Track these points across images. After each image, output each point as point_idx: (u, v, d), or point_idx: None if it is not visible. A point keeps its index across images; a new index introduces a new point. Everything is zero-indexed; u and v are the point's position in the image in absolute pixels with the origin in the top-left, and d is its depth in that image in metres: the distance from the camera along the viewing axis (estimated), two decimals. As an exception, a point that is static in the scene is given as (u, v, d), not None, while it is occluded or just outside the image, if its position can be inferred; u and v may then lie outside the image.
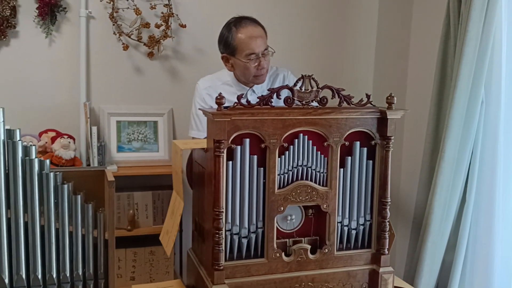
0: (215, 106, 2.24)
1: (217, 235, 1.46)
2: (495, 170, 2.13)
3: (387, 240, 1.65)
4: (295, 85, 1.52)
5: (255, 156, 1.50)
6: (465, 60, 2.10)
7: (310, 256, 1.58)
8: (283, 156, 1.52)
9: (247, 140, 1.48)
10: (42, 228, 1.37)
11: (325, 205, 1.58)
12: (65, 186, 1.37)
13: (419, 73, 2.77)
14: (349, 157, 1.60)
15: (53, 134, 2.58)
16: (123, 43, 2.70)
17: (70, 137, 2.57)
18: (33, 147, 1.36)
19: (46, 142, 2.54)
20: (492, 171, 2.14)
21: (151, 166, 2.72)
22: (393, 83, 2.82)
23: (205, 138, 1.57)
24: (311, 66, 2.90)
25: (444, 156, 2.16)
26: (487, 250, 2.15)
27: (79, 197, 1.38)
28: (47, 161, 1.37)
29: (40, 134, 2.58)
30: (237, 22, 2.18)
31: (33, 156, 1.35)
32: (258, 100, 1.48)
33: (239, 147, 1.48)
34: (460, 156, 2.17)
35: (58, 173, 1.37)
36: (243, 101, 1.46)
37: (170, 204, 1.80)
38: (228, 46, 2.18)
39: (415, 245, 2.34)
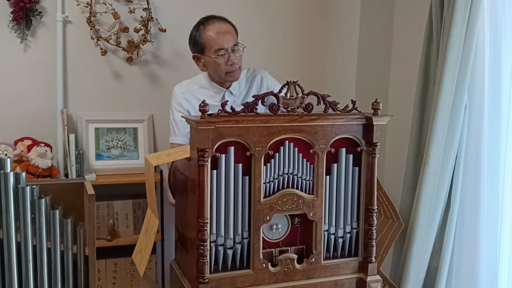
0: (192, 110, 2.20)
1: (201, 247, 1.43)
2: (479, 175, 2.13)
3: (374, 248, 1.64)
4: (280, 91, 1.50)
5: (240, 165, 1.47)
6: (448, 64, 2.09)
7: (297, 266, 1.56)
8: (268, 164, 1.50)
9: (232, 148, 1.46)
10: (18, 244, 1.32)
11: (311, 214, 1.56)
12: (42, 200, 1.32)
13: (401, 78, 2.77)
14: (335, 164, 1.59)
15: (29, 142, 2.51)
16: (101, 48, 2.64)
17: (47, 145, 2.50)
18: (8, 159, 1.31)
19: (22, 151, 2.47)
20: (476, 175, 2.14)
21: (131, 174, 2.66)
22: (376, 87, 2.81)
23: (179, 146, 1.53)
24: (292, 71, 2.88)
25: (428, 161, 2.15)
26: (473, 254, 2.15)
27: (57, 211, 1.33)
28: (23, 174, 1.31)
29: (16, 143, 2.51)
30: (205, 20, 2.20)
31: (8, 169, 1.29)
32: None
33: (223, 156, 1.45)
34: (445, 161, 2.16)
35: (34, 186, 1.32)
36: (228, 108, 1.43)
37: (145, 221, 1.75)
38: (197, 45, 2.18)
39: (400, 251, 2.33)
